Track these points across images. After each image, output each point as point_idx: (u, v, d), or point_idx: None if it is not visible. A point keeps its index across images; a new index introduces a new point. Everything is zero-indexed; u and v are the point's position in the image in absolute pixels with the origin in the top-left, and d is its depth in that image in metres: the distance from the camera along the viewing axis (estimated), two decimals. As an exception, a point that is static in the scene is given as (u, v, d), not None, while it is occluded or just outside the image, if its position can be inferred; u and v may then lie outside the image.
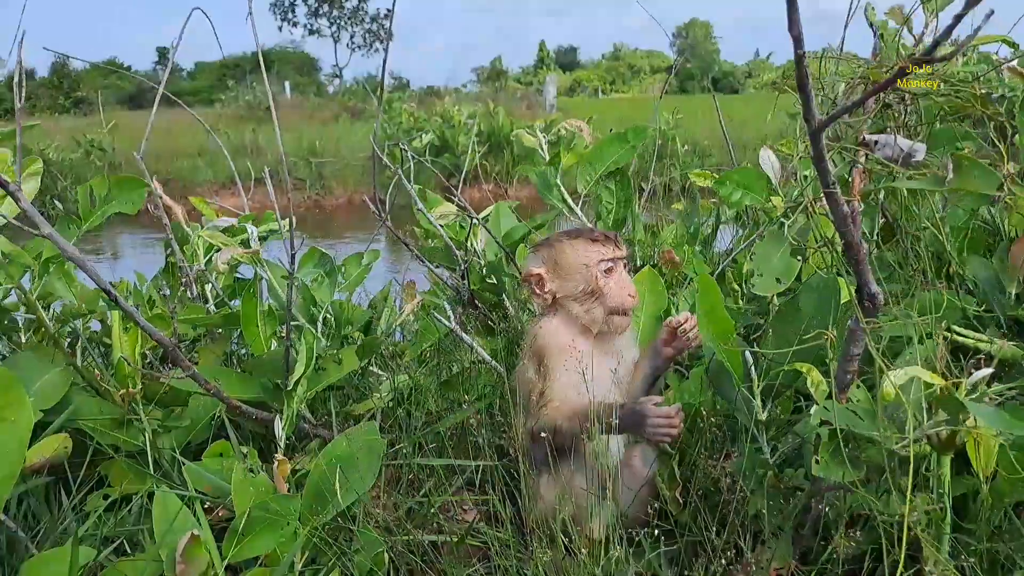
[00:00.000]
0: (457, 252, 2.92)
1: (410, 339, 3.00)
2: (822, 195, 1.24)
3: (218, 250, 2.42)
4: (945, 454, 1.21)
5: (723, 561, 1.43)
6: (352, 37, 60.26)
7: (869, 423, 1.18)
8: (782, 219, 1.58)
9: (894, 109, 1.44)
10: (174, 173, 15.10)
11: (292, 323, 2.26)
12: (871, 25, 1.56)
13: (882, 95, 1.41)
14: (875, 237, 2.11)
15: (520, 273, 1.92)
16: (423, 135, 5.42)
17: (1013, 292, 2.01)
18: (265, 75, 2.12)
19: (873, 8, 1.60)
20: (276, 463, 1.77)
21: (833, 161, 1.39)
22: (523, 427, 1.78)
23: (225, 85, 28.77)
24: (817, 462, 1.24)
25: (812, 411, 1.24)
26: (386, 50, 2.61)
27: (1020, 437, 1.37)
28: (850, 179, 1.36)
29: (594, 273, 1.80)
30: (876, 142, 1.30)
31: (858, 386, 1.29)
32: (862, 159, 1.33)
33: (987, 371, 1.09)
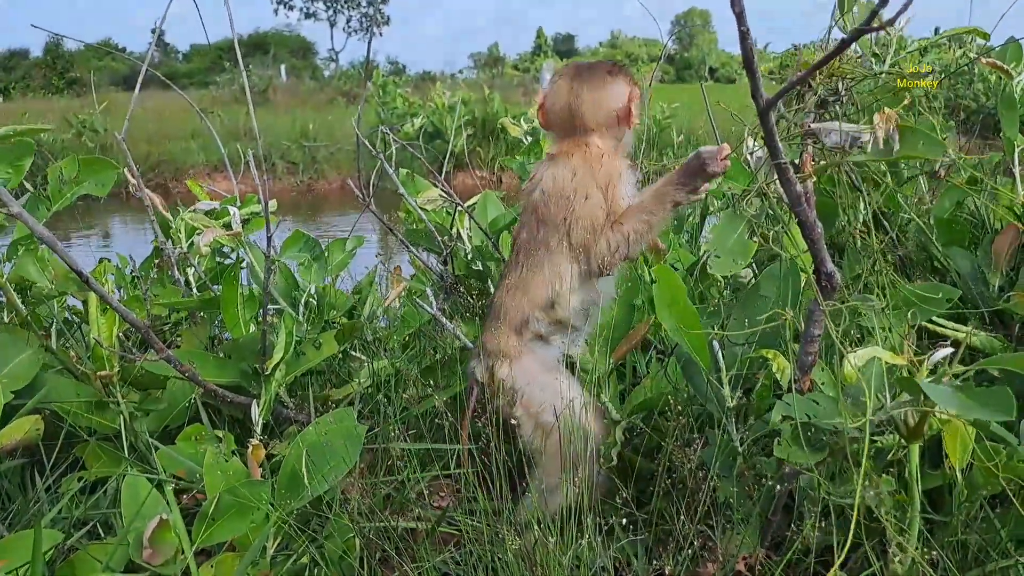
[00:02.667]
0: (439, 237, 2.90)
1: (394, 324, 2.99)
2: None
3: (200, 233, 2.40)
4: (912, 442, 1.20)
5: (690, 551, 1.42)
6: (349, 21, 59.86)
7: (830, 410, 1.18)
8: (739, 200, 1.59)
9: (832, 102, 1.45)
10: (166, 155, 14.97)
11: (273, 307, 2.24)
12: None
13: (818, 91, 1.42)
14: (861, 227, 2.10)
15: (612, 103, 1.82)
16: (414, 120, 5.38)
17: (996, 284, 2.01)
18: (241, 59, 2.09)
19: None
20: (250, 448, 1.75)
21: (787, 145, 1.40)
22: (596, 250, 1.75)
23: (222, 67, 28.55)
24: (779, 444, 1.24)
25: (776, 406, 1.23)
26: (372, 34, 2.58)
27: (990, 431, 1.36)
28: (799, 163, 1.38)
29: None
30: (822, 131, 1.33)
31: (822, 368, 1.28)
32: (810, 149, 1.35)
33: (947, 351, 1.08)
